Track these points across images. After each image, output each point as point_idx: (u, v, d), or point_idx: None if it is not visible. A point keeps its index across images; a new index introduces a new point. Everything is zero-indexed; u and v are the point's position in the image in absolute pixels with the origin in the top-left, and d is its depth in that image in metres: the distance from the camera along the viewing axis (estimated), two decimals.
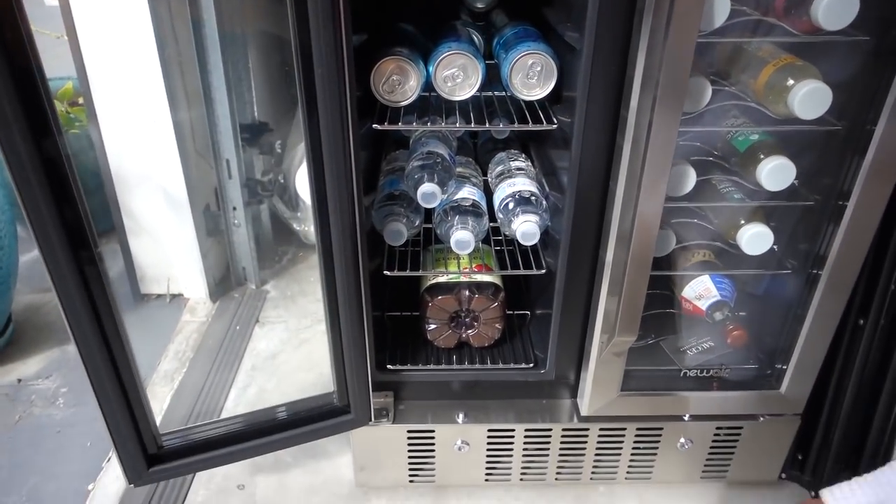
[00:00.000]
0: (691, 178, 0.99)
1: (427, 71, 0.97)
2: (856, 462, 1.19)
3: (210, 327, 1.76)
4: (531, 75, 0.97)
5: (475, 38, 1.13)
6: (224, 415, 1.45)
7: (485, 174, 1.26)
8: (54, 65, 1.92)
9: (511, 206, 1.09)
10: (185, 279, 1.84)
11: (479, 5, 1.23)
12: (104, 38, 1.44)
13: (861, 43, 0.88)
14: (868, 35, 0.88)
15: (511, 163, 1.20)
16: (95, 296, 0.75)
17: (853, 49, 0.90)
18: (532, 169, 1.20)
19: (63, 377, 1.61)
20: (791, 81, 0.92)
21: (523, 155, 1.25)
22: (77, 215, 0.74)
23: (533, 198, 1.09)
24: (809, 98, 0.89)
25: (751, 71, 0.98)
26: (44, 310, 1.83)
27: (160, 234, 1.73)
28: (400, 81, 0.95)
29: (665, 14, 0.75)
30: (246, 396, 1.52)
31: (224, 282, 1.90)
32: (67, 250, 0.73)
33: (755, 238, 1.05)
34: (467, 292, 1.17)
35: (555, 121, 0.99)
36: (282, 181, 1.87)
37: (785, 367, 1.11)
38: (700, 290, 1.17)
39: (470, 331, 1.20)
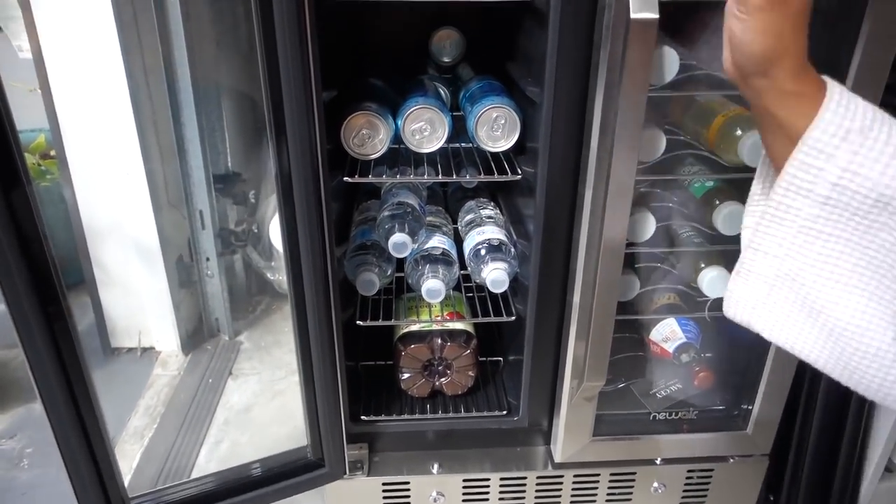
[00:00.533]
0: (651, 224, 1.02)
1: (396, 124, 1.01)
2: (826, 500, 1.20)
3: (182, 381, 1.74)
4: (496, 128, 1.01)
5: (442, 92, 1.17)
6: (196, 472, 1.42)
7: (455, 222, 1.28)
8: (27, 117, 1.94)
9: (480, 253, 1.11)
10: (157, 332, 1.81)
11: (446, 60, 1.28)
12: (77, 91, 1.46)
13: None
14: None
15: (480, 211, 1.24)
16: (63, 352, 0.75)
17: None
18: (501, 217, 1.23)
19: (28, 437, 1.56)
20: (740, 131, 0.97)
21: (492, 203, 1.29)
22: (46, 269, 0.74)
23: (502, 245, 1.11)
24: (757, 147, 0.94)
25: (703, 121, 1.04)
26: (10, 366, 1.79)
27: (132, 286, 1.72)
28: (370, 135, 0.98)
29: (617, 70, 0.80)
30: (219, 452, 1.49)
31: (197, 334, 1.88)
32: (35, 305, 0.72)
33: (715, 281, 1.08)
34: (440, 340, 1.18)
35: (519, 171, 1.03)
36: (255, 231, 1.88)
37: (751, 407, 1.13)
38: (666, 333, 1.19)
39: (443, 379, 1.21)
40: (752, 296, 0.61)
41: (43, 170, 1.93)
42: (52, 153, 1.92)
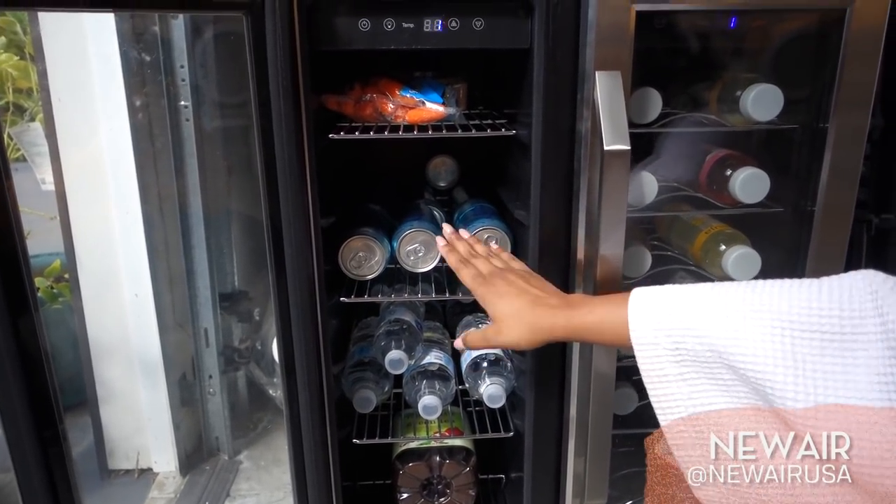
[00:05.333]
0: None
1: (392, 247, 1.06)
2: None
3: None
4: None
5: (437, 215, 1.23)
6: None
7: (453, 336, 1.30)
8: (45, 242, 2.03)
9: (477, 368, 1.12)
10: (156, 452, 1.79)
11: (442, 184, 1.35)
12: (94, 220, 1.54)
13: (778, 213, 0.99)
14: (783, 206, 0.98)
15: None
16: (56, 478, 0.75)
17: (773, 218, 1.00)
18: None
19: None
20: (723, 247, 1.01)
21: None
22: (45, 393, 0.76)
23: (499, 360, 1.13)
24: (741, 261, 0.98)
25: (687, 238, 1.08)
26: (4, 491, 1.75)
27: (133, 405, 1.71)
28: (366, 257, 1.03)
29: (597, 195, 0.85)
30: None
31: (196, 453, 1.85)
32: (31, 429, 0.74)
33: None
34: (438, 458, 1.17)
35: None
36: (259, 347, 1.90)
37: None
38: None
39: (443, 499, 1.18)
40: (710, 494, 0.63)
41: (55, 293, 1.98)
42: (66, 276, 1.98)
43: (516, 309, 0.72)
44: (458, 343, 0.84)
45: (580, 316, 0.68)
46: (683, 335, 0.59)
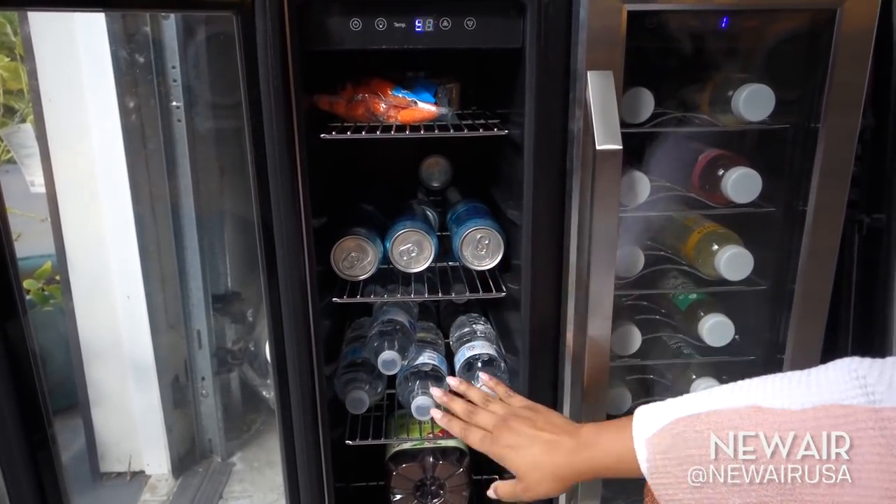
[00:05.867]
0: (636, 338, 1.04)
1: (384, 247, 1.05)
2: None
3: None
4: (480, 248, 1.05)
5: (429, 215, 1.23)
6: None
7: (447, 337, 1.30)
8: (36, 244, 2.01)
9: (470, 369, 1.12)
10: (149, 454, 1.78)
11: (435, 184, 1.35)
12: (85, 222, 1.53)
13: (770, 213, 0.99)
14: (774, 206, 0.99)
15: (471, 326, 1.25)
16: (45, 482, 0.74)
17: (765, 218, 1.00)
18: (491, 332, 1.25)
19: None
20: (716, 246, 1.01)
21: (483, 318, 1.31)
22: (34, 396, 0.75)
23: (492, 361, 1.12)
24: (733, 261, 0.98)
25: (680, 237, 1.08)
26: None
27: (125, 407, 1.70)
28: (358, 258, 1.03)
29: (589, 195, 0.85)
30: None
31: (188, 455, 1.84)
32: (20, 434, 0.73)
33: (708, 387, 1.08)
34: (431, 459, 1.16)
35: (504, 289, 1.06)
36: (252, 349, 1.89)
37: None
38: None
39: (436, 500, 1.17)
40: None
41: (46, 295, 1.97)
42: (57, 278, 1.97)
43: (533, 462, 0.73)
44: (490, 493, 0.84)
45: (598, 459, 0.69)
46: (693, 443, 0.59)
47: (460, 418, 0.85)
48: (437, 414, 0.88)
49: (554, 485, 0.72)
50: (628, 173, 0.94)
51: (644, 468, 0.62)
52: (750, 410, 0.57)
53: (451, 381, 0.94)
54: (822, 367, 0.56)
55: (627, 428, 0.65)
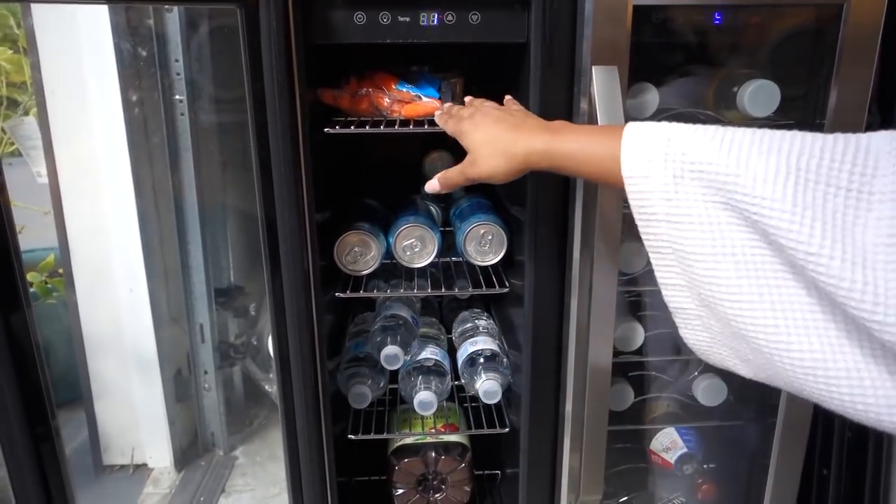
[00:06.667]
0: (639, 334, 1.04)
1: (388, 242, 1.05)
2: None
3: (173, 500, 1.68)
4: (484, 243, 1.05)
5: (433, 211, 1.23)
6: None
7: (450, 332, 1.30)
8: (40, 237, 2.01)
9: (473, 364, 1.12)
10: (151, 448, 1.78)
11: None
12: (88, 213, 1.53)
13: None
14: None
15: (473, 321, 1.25)
16: (49, 474, 0.75)
17: None
18: (494, 327, 1.25)
19: None
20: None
21: (486, 314, 1.31)
22: (38, 390, 0.76)
23: (495, 356, 1.12)
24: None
25: None
26: None
27: (128, 400, 1.71)
28: (361, 253, 1.03)
29: (593, 192, 0.85)
30: None
31: (191, 449, 1.85)
32: (24, 426, 0.73)
33: (710, 389, 1.08)
34: (434, 454, 1.16)
35: (507, 284, 1.06)
36: (255, 343, 1.89)
37: None
38: (667, 443, 1.18)
39: (438, 494, 1.18)
40: (699, 338, 0.61)
41: (49, 288, 1.97)
42: (60, 271, 1.97)
43: (491, 136, 0.68)
44: (431, 183, 0.78)
45: (561, 141, 0.64)
46: (682, 168, 0.55)
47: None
48: (437, 113, 0.85)
49: (503, 160, 0.67)
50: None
51: (624, 167, 0.58)
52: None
53: (467, 99, 0.85)
54: (861, 134, 0.51)
55: (611, 130, 0.61)
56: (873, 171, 0.47)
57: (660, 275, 0.61)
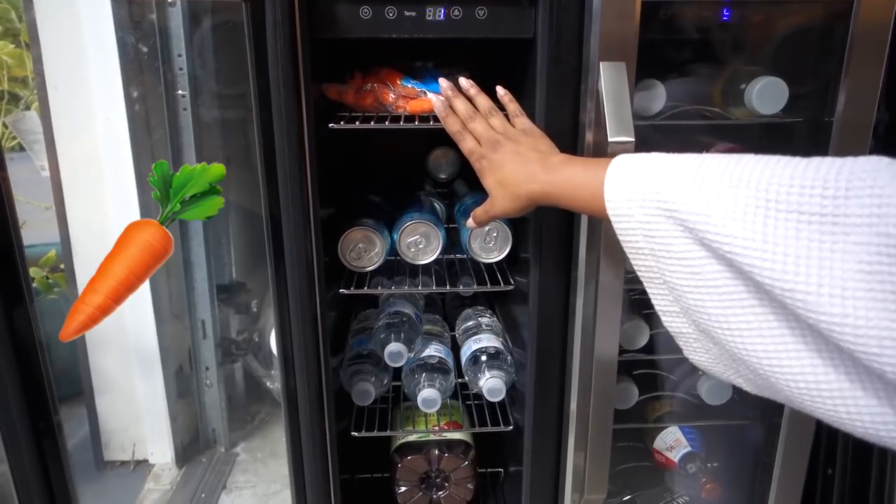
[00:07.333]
0: (644, 332, 1.03)
1: (392, 238, 1.05)
2: None
3: (174, 496, 1.68)
4: (488, 240, 1.04)
5: (437, 207, 1.22)
6: None
7: (453, 329, 1.29)
8: (42, 233, 2.01)
9: (476, 362, 1.11)
10: (152, 444, 1.78)
11: (443, 176, 1.34)
12: (90, 210, 1.52)
13: None
14: None
15: (477, 319, 1.25)
16: (51, 469, 0.74)
17: None
18: (498, 325, 1.24)
19: None
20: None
21: (489, 311, 1.30)
22: (40, 384, 0.75)
23: (498, 354, 1.12)
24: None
25: None
26: None
27: (130, 396, 1.70)
28: (365, 249, 1.02)
29: None
30: None
31: (192, 445, 1.84)
32: (26, 421, 0.73)
33: (714, 388, 1.08)
34: (437, 451, 1.16)
35: (511, 282, 1.05)
36: (257, 339, 1.89)
37: None
38: (670, 442, 1.17)
39: (441, 492, 1.17)
40: (701, 359, 0.63)
41: (51, 283, 1.97)
42: (62, 266, 1.97)
43: (501, 179, 0.77)
44: (469, 222, 0.87)
45: (553, 185, 0.71)
46: (657, 208, 0.57)
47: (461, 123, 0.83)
48: (437, 102, 0.85)
49: (512, 202, 0.76)
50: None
51: (608, 205, 0.63)
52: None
53: (464, 83, 0.85)
54: (840, 159, 0.50)
55: (600, 164, 0.65)
56: (846, 192, 0.46)
57: (656, 303, 0.64)
